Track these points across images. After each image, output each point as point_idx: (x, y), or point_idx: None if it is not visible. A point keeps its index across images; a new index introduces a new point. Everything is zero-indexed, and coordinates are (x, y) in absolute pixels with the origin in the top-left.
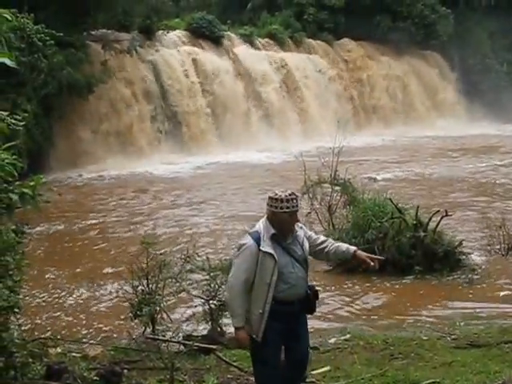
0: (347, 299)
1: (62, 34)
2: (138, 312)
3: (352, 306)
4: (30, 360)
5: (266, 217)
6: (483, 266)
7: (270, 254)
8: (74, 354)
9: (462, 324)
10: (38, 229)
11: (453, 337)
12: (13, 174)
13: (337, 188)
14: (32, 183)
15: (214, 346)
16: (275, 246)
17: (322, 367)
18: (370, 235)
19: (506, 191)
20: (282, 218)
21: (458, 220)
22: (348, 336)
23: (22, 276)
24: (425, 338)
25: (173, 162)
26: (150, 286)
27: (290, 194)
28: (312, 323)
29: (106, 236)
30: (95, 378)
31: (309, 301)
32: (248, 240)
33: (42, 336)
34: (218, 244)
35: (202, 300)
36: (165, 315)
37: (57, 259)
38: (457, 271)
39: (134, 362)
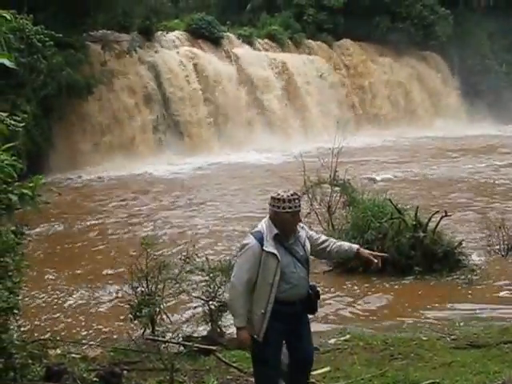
0: (347, 300)
1: (61, 35)
2: (138, 313)
3: (352, 307)
4: (30, 361)
5: (268, 217)
6: (483, 267)
7: (273, 254)
8: (73, 355)
9: (461, 324)
10: (38, 230)
11: (452, 337)
12: (12, 175)
13: (336, 188)
14: (31, 184)
15: (214, 347)
16: (278, 246)
17: (322, 368)
18: (369, 236)
19: (505, 192)
20: (284, 218)
21: (458, 220)
22: (348, 336)
23: (21, 277)
24: (424, 338)
25: (173, 162)
26: (150, 287)
27: (292, 194)
28: (311, 324)
29: (105, 237)
30: (95, 379)
31: (310, 301)
32: (251, 240)
33: (42, 337)
34: (217, 245)
35: (202, 301)
36: (164, 316)
37: (56, 260)
38: (456, 272)
39: (133, 363)
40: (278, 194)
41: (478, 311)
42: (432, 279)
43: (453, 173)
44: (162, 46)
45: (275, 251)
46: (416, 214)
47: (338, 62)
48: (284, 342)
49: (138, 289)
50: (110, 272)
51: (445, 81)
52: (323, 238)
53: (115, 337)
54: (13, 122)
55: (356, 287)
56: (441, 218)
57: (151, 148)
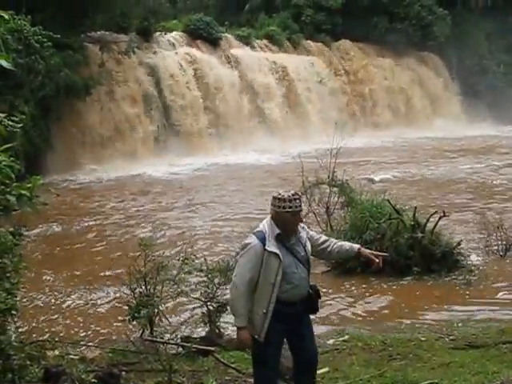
0: (345, 301)
1: (59, 36)
2: (136, 314)
3: (350, 308)
4: (28, 363)
5: (270, 217)
6: (481, 267)
7: (276, 254)
8: (71, 357)
9: (460, 325)
10: (36, 231)
11: (451, 337)
12: (10, 177)
13: (335, 189)
14: (29, 185)
15: (212, 348)
16: (280, 246)
17: (321, 368)
18: (367, 236)
19: (504, 192)
20: (285, 218)
21: (456, 221)
22: (346, 337)
23: (19, 278)
24: (423, 338)
25: (172, 163)
26: (148, 288)
27: (293, 194)
28: None
29: (103, 238)
30: (93, 380)
31: (311, 300)
32: (253, 240)
33: (40, 338)
34: (216, 246)
35: (200, 302)
36: (163, 317)
37: (54, 261)
38: (455, 272)
39: (132, 364)
40: (280, 194)
41: (476, 312)
42: (430, 280)
43: (451, 173)
44: (160, 47)
45: (277, 251)
46: (414, 214)
47: (337, 63)
48: (286, 343)
49: (137, 290)
50: (108, 273)
51: (443, 81)
52: (324, 238)
53: (114, 338)
54: (11, 123)
55: (354, 288)
56: (439, 219)
57: (150, 149)
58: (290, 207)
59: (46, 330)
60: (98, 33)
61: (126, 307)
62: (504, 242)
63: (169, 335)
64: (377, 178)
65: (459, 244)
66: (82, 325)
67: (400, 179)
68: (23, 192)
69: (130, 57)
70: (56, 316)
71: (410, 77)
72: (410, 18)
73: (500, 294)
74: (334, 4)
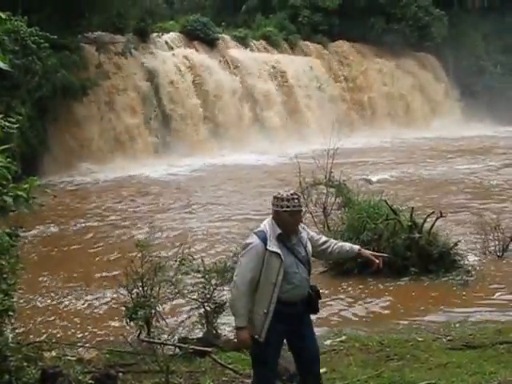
0: (342, 301)
1: (56, 37)
2: (133, 315)
3: (347, 308)
4: (25, 364)
5: (271, 217)
6: (478, 268)
7: (277, 254)
8: (69, 358)
9: (457, 325)
10: (33, 232)
11: (448, 338)
12: (7, 178)
13: (332, 190)
14: (26, 186)
15: (209, 349)
16: (281, 246)
17: None
18: (364, 237)
19: (501, 192)
20: (283, 217)
21: (454, 221)
22: (343, 338)
23: (16, 279)
24: (420, 339)
25: (169, 164)
26: (145, 289)
27: (291, 194)
28: None
29: (100, 239)
30: (90, 381)
31: (311, 300)
32: (254, 239)
33: (37, 340)
34: (213, 246)
35: (197, 303)
36: (160, 318)
37: (51, 262)
38: (452, 272)
39: (129, 366)
40: (279, 194)
41: (473, 312)
42: (427, 280)
43: (448, 174)
44: (157, 48)
45: (279, 251)
46: (411, 214)
47: (337, 69)
48: (285, 343)
49: (134, 291)
50: (105, 274)
51: (440, 82)
52: (324, 238)
53: (111, 339)
54: (7, 124)
55: (351, 288)
56: (436, 219)
57: (147, 150)
58: (288, 206)
59: (43, 331)
60: (95, 33)
61: (123, 308)
62: (501, 243)
63: (166, 336)
64: (374, 179)
65: (456, 244)
66: (79, 326)
67: (397, 180)
68: (20, 193)
69: (127, 58)
70: (53, 317)
71: (409, 81)
72: (406, 18)
73: (497, 294)
74: (331, 5)
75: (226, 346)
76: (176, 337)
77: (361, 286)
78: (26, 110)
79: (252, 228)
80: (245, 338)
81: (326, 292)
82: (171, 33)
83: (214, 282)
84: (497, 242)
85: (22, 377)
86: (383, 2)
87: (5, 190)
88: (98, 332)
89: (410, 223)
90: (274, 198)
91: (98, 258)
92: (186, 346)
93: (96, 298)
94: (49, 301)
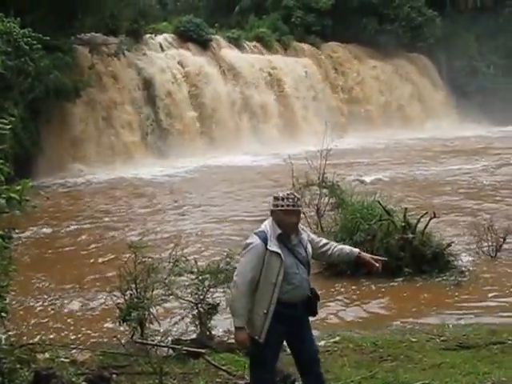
0: (336, 302)
1: (48, 38)
2: (127, 316)
3: (341, 309)
4: (18, 366)
5: (272, 217)
6: (472, 268)
7: (277, 254)
8: (62, 360)
9: (450, 326)
10: (26, 233)
11: (442, 338)
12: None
13: (325, 190)
14: (19, 188)
15: (203, 350)
16: (281, 246)
17: None
18: (358, 237)
19: (494, 193)
20: (279, 216)
21: (447, 222)
22: (337, 339)
23: (9, 281)
24: (414, 339)
25: (163, 165)
26: (139, 290)
27: (287, 194)
28: None
29: (93, 241)
30: (83, 383)
31: (310, 303)
32: (255, 239)
33: (30, 341)
34: (206, 248)
35: (191, 304)
36: (153, 319)
37: (44, 264)
38: (445, 273)
39: (122, 367)
40: (277, 193)
41: (467, 312)
42: (421, 281)
43: (442, 174)
44: (150, 49)
45: (279, 251)
46: (405, 215)
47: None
48: (287, 345)
49: (127, 292)
50: (98, 276)
51: (433, 83)
52: (324, 241)
53: (104, 340)
54: (0, 126)
55: (345, 289)
56: (429, 220)
57: (141, 151)
58: (283, 206)
59: (36, 332)
60: (88, 35)
61: (117, 310)
62: (494, 243)
63: (159, 338)
64: (367, 179)
65: (450, 245)
66: (72, 327)
67: (391, 180)
68: (13, 195)
69: (120, 59)
70: (46, 319)
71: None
72: (399, 19)
73: (490, 294)
74: (324, 5)
75: (220, 347)
76: (169, 338)
77: (354, 287)
78: (19, 111)
79: (245, 229)
80: (243, 338)
81: (320, 293)
82: (164, 34)
83: (207, 283)
84: (490, 243)
85: (14, 379)
86: (376, 3)
87: None
88: (92, 334)
89: (403, 224)
90: (273, 197)
91: (91, 260)
92: (179, 347)
93: (89, 300)
94: (42, 302)
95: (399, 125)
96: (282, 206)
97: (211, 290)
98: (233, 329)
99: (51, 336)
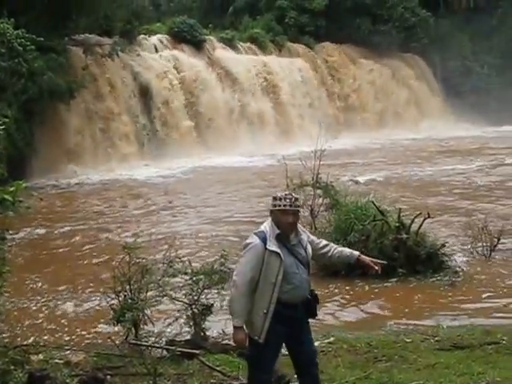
0: (330, 303)
1: (42, 39)
2: (121, 318)
3: (335, 310)
4: (12, 367)
5: (271, 217)
6: (466, 268)
7: (277, 253)
8: (56, 361)
9: (445, 326)
10: (20, 234)
11: (436, 339)
12: None
13: (319, 191)
14: (12, 189)
15: (197, 351)
16: (281, 245)
17: None
18: (352, 238)
19: (488, 193)
20: (276, 216)
21: (442, 222)
22: (332, 339)
23: (3, 282)
24: (408, 340)
25: (157, 166)
26: (133, 291)
27: (285, 194)
28: None
29: (87, 242)
30: None
31: (309, 305)
32: (254, 239)
33: (24, 343)
34: (201, 249)
35: (185, 305)
36: (147, 320)
37: (38, 265)
38: (440, 273)
39: (116, 368)
40: (275, 194)
41: (461, 312)
42: (415, 281)
43: (437, 174)
44: (144, 50)
45: (278, 250)
46: (399, 215)
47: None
48: (285, 346)
49: (121, 293)
50: (92, 277)
51: (427, 83)
52: (324, 242)
53: (98, 342)
54: None
55: (339, 290)
56: (424, 220)
57: (135, 152)
58: (280, 205)
59: (30, 334)
60: (82, 36)
61: (111, 311)
62: (488, 243)
63: (153, 339)
64: (361, 180)
65: (444, 245)
66: (66, 329)
67: (386, 181)
68: (6, 196)
69: (114, 60)
70: (40, 320)
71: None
72: (393, 19)
73: (484, 295)
74: (318, 6)
75: (214, 348)
76: (164, 339)
77: (348, 288)
78: (13, 112)
79: (240, 230)
80: (241, 338)
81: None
82: (158, 35)
83: (201, 284)
84: (484, 243)
85: (8, 380)
86: (369, 3)
87: None
88: (86, 335)
89: (397, 224)
90: (272, 198)
91: (85, 261)
92: (173, 348)
93: (83, 301)
94: (36, 304)
95: (394, 125)
96: (280, 205)
97: (205, 290)
98: (227, 329)
99: (45, 337)
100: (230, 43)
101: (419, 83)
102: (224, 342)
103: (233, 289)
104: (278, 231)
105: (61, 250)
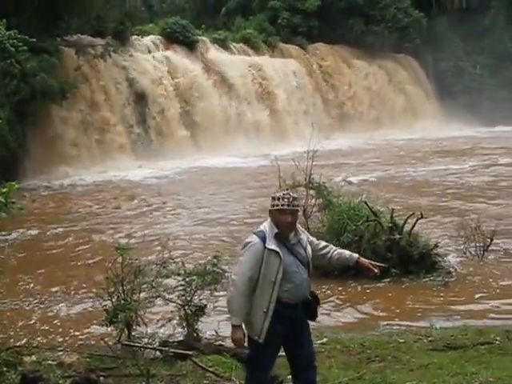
0: (323, 303)
1: (34, 40)
2: (114, 318)
3: (329, 310)
4: (5, 369)
5: (270, 217)
6: (459, 268)
7: (276, 252)
8: (49, 362)
9: (438, 326)
10: (12, 235)
11: (429, 339)
12: None
13: (312, 192)
14: (5, 190)
15: (190, 352)
16: (280, 244)
17: None
18: (345, 238)
19: (482, 193)
20: (275, 216)
21: (435, 222)
22: (325, 340)
23: None
24: (401, 340)
25: (150, 167)
26: (126, 292)
27: (284, 194)
28: None
29: (81, 243)
30: None
31: (310, 306)
32: (254, 238)
33: (17, 344)
34: (194, 250)
35: (178, 305)
36: (140, 321)
37: (31, 266)
38: (433, 273)
39: (109, 369)
40: (274, 193)
41: (454, 313)
42: (408, 281)
43: (430, 175)
44: (136, 51)
45: (277, 249)
46: (392, 216)
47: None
48: (283, 348)
49: (114, 294)
50: (85, 278)
51: (420, 85)
52: (323, 243)
53: (92, 343)
54: None
55: (332, 291)
56: (416, 220)
57: (128, 153)
58: (278, 205)
59: (23, 335)
60: (74, 36)
61: (104, 312)
62: (481, 244)
63: (146, 340)
64: (354, 180)
65: (437, 246)
66: (59, 330)
67: (379, 181)
68: None
69: (106, 60)
70: (33, 321)
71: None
72: (386, 20)
73: (477, 295)
74: (310, 7)
75: (207, 349)
76: (157, 340)
77: (341, 288)
78: (5, 113)
79: (233, 231)
80: (239, 337)
81: None
82: (151, 35)
83: (194, 285)
84: (477, 243)
85: (1, 382)
86: (362, 4)
87: None
88: (79, 336)
89: (390, 224)
90: (270, 197)
91: (78, 262)
92: (166, 349)
93: (76, 302)
94: (29, 305)
95: (389, 126)
96: (278, 205)
97: (198, 291)
98: (220, 330)
99: (38, 338)
100: (222, 44)
101: (414, 87)
102: (217, 342)
103: (232, 288)
104: (276, 230)
105: (54, 251)
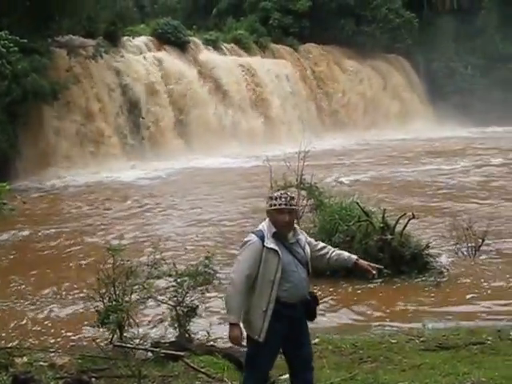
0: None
1: (26, 41)
2: (105, 320)
3: (321, 311)
4: None
5: (268, 217)
6: (450, 268)
7: (275, 251)
8: (40, 363)
9: (430, 326)
10: (4, 236)
11: (421, 339)
12: None
13: (303, 192)
14: None
15: (182, 353)
16: (278, 244)
17: None
18: (337, 239)
19: (474, 193)
20: (272, 215)
21: (427, 222)
22: (316, 340)
23: None
24: (393, 341)
25: (143, 168)
26: (117, 293)
27: (281, 193)
28: None
29: (72, 244)
30: None
31: (309, 306)
32: (252, 237)
33: (8, 345)
34: (186, 250)
35: (170, 306)
36: (132, 322)
37: (23, 267)
38: (425, 274)
39: (101, 371)
40: (271, 193)
41: (446, 313)
42: (400, 281)
43: (422, 175)
44: (128, 51)
45: (276, 248)
46: (383, 216)
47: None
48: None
49: (106, 295)
50: (77, 279)
51: (412, 85)
52: (322, 244)
53: (83, 344)
54: None
55: (324, 291)
56: (408, 220)
57: (120, 154)
58: (275, 204)
59: (14, 336)
60: (66, 37)
61: (96, 313)
62: (473, 244)
63: (138, 340)
64: (346, 181)
65: (428, 246)
66: (50, 331)
67: (371, 181)
68: None
69: (98, 61)
70: (24, 322)
71: (376, 78)
72: (377, 20)
73: (469, 295)
74: (302, 7)
75: (199, 349)
76: (148, 341)
77: (332, 289)
78: None
79: (225, 231)
80: (237, 335)
81: None
82: (142, 36)
83: (186, 285)
84: (469, 244)
85: None
86: (353, 4)
87: None
88: (71, 337)
89: (382, 225)
90: (268, 197)
91: (70, 263)
92: (158, 350)
93: (68, 303)
94: (20, 306)
95: (382, 126)
96: (275, 205)
97: (190, 292)
98: (212, 331)
99: (30, 340)
100: (213, 44)
101: (408, 92)
102: (209, 343)
103: (230, 286)
104: (274, 230)
105: (45, 252)
